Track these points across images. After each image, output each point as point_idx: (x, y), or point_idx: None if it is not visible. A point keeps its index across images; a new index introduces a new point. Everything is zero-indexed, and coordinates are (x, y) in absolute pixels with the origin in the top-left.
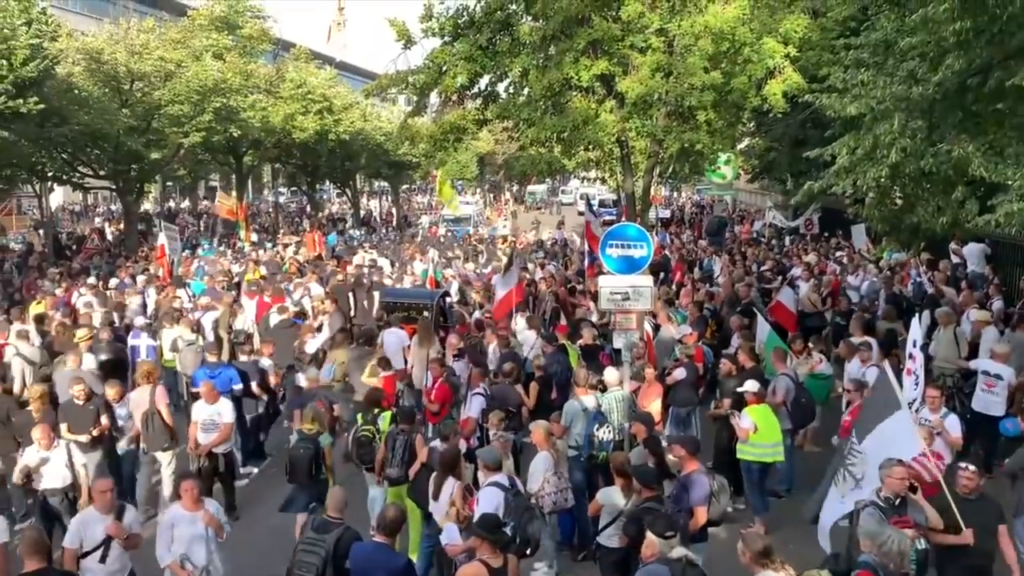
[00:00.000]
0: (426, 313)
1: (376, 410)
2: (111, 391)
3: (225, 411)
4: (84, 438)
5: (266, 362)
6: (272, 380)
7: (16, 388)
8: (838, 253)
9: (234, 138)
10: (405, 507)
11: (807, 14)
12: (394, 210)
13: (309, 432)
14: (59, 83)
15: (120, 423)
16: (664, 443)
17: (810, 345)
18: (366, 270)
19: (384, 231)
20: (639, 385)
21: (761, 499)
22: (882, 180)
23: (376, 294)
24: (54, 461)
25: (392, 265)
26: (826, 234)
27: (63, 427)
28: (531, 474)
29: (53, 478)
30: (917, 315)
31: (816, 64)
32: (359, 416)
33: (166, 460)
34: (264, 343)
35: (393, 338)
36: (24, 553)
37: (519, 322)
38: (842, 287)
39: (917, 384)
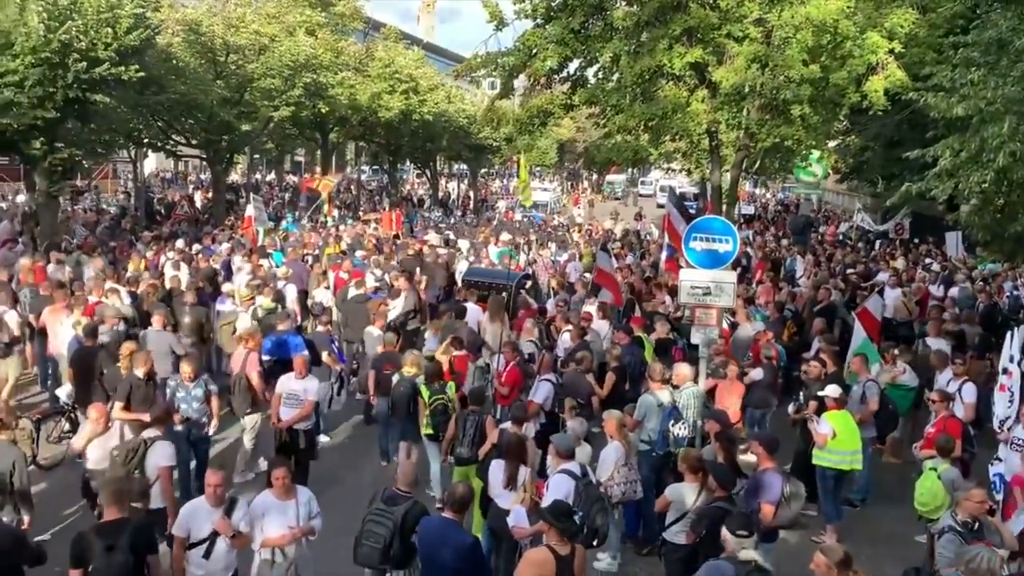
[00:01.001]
0: (504, 294)
1: (440, 381)
2: (186, 368)
3: (311, 388)
4: (146, 416)
5: (375, 333)
6: (378, 348)
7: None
8: (927, 260)
9: (322, 114)
10: (473, 485)
11: (915, 9)
12: (471, 193)
13: (409, 375)
14: (159, 52)
15: (197, 404)
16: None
17: (895, 353)
18: (441, 250)
19: (460, 214)
20: (716, 382)
21: (834, 507)
22: (986, 185)
23: (424, 277)
24: (105, 441)
25: (470, 247)
26: (916, 240)
27: (118, 405)
28: (601, 463)
29: (100, 459)
30: (1013, 329)
31: (919, 62)
32: (424, 388)
33: (248, 424)
34: (376, 316)
35: (468, 313)
36: (105, 502)
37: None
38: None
39: (1012, 401)
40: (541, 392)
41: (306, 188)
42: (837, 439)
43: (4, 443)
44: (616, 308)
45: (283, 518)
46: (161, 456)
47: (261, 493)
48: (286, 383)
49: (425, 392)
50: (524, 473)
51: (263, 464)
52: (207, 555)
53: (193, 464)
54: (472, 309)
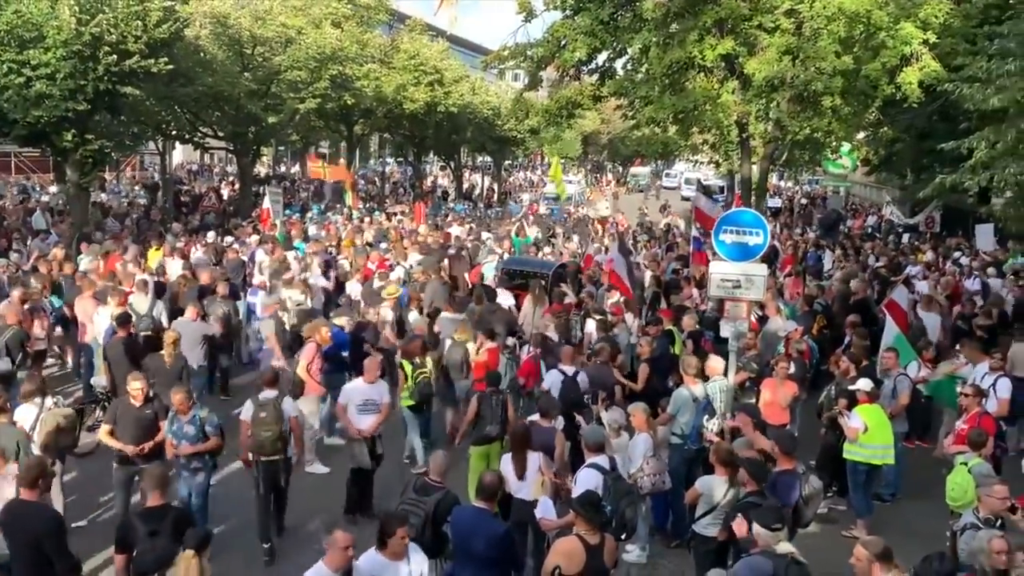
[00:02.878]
0: (542, 281)
1: (421, 357)
2: (175, 399)
3: (384, 391)
4: (131, 450)
5: (414, 316)
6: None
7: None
8: (956, 253)
9: (347, 106)
10: (494, 465)
11: None
12: (495, 185)
13: (461, 340)
14: (187, 45)
15: (187, 443)
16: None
17: (957, 347)
18: (469, 243)
19: (485, 206)
20: (745, 376)
21: (865, 502)
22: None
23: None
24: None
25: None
26: (944, 233)
27: (104, 428)
28: (630, 455)
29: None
30: None
31: (952, 52)
32: (406, 363)
33: (305, 410)
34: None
35: (502, 298)
36: (148, 488)
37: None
38: (967, 291)
39: None
40: (549, 379)
41: (331, 178)
42: (869, 433)
43: (5, 425)
44: (640, 301)
45: None
46: (290, 408)
47: (368, 554)
48: (356, 391)
49: (408, 367)
50: (535, 460)
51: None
52: None
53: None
54: (504, 294)
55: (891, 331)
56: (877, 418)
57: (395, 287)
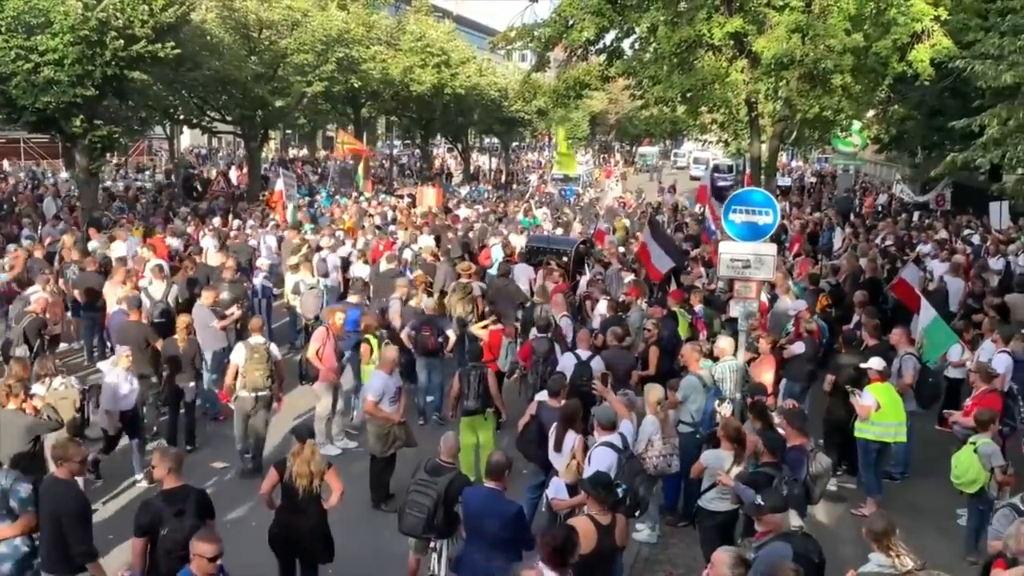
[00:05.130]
0: (565, 258)
1: (382, 330)
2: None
3: (398, 377)
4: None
5: (426, 300)
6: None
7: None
8: (966, 231)
9: (354, 89)
10: (479, 436)
11: None
12: (503, 167)
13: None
14: (193, 29)
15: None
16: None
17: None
18: (479, 225)
19: (492, 188)
20: (752, 356)
21: (876, 480)
22: None
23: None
24: None
25: (500, 221)
26: (955, 211)
27: None
28: (639, 435)
29: None
30: None
31: (963, 28)
32: (372, 337)
33: (318, 393)
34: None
35: (520, 272)
36: (172, 469)
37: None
38: (978, 269)
39: None
40: (561, 363)
41: (343, 155)
42: (882, 411)
43: (10, 411)
44: (649, 283)
45: None
46: (276, 352)
47: None
48: (386, 384)
49: (374, 341)
50: (573, 438)
51: (350, 443)
52: None
53: None
54: (524, 268)
55: (927, 315)
56: (889, 396)
57: (421, 274)
